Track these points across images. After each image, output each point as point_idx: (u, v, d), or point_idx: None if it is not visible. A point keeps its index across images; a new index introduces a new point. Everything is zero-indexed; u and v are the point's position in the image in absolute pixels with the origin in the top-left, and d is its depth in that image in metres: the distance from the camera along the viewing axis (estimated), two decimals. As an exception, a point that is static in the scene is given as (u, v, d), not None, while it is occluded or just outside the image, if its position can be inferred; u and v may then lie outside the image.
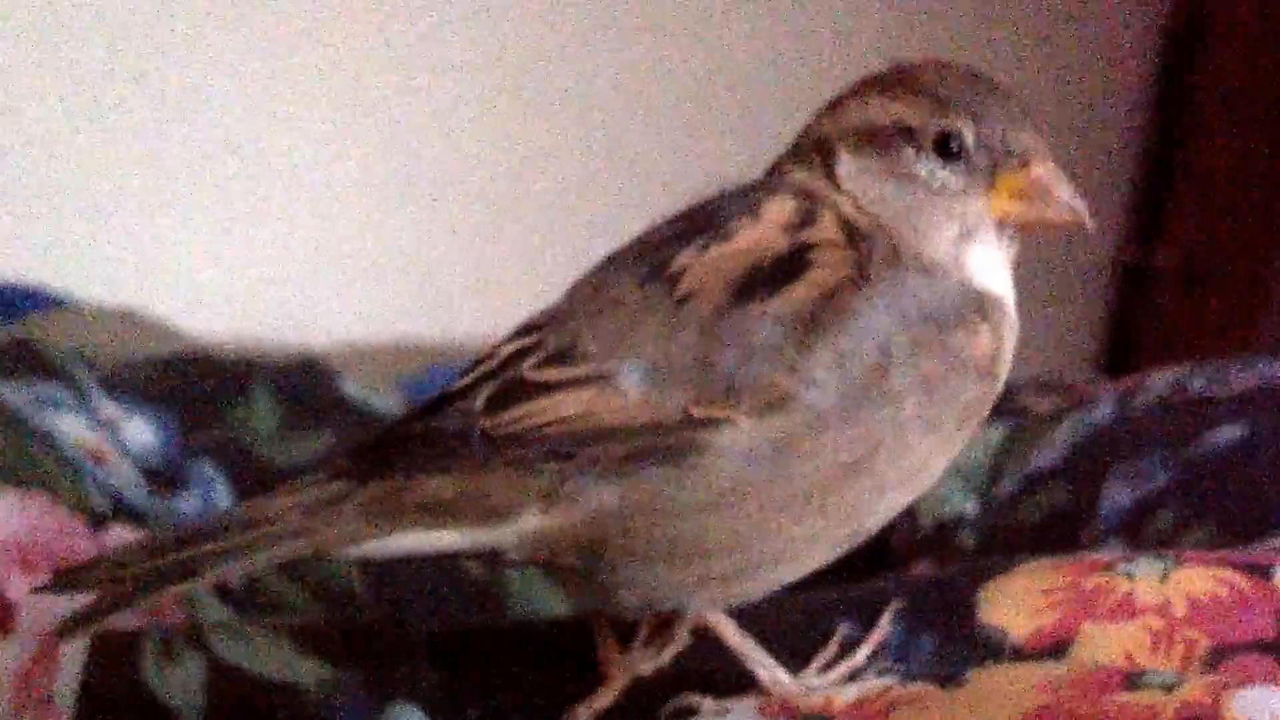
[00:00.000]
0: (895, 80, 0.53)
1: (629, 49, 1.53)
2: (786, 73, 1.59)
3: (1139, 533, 0.79)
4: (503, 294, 1.22)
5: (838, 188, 0.53)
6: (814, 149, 0.54)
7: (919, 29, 1.64)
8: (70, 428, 0.81)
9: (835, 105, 0.54)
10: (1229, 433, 0.80)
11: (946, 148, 0.51)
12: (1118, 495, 0.82)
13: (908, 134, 0.52)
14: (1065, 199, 0.51)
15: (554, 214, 1.50)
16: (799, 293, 0.49)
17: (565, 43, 1.49)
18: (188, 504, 0.85)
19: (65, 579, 0.51)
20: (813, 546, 0.51)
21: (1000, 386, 0.53)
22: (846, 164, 0.53)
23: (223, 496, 0.87)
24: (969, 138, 0.51)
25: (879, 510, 0.52)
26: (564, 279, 0.56)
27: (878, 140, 0.52)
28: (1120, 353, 1.84)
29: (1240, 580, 0.54)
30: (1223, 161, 1.71)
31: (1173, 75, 1.78)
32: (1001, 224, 0.52)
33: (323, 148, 1.37)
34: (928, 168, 0.52)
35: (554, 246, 1.45)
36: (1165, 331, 1.77)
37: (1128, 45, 1.79)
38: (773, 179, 0.55)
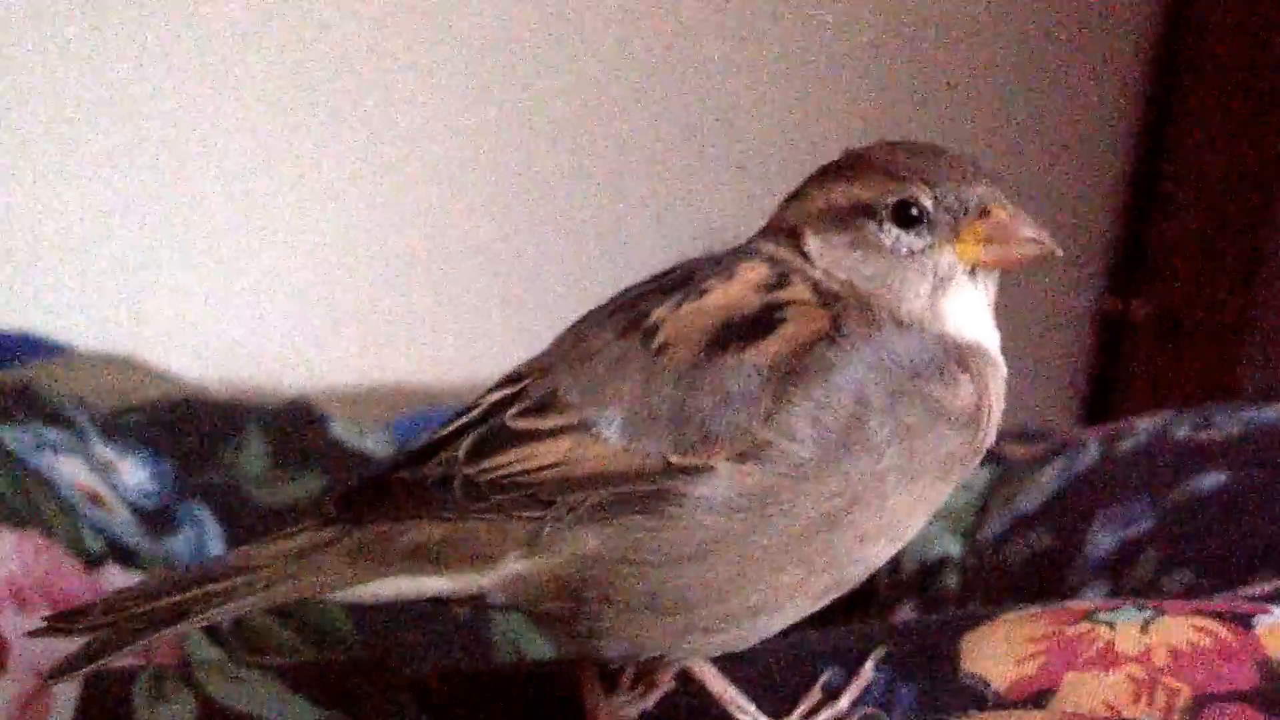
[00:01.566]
0: (849, 165, 0.55)
1: (622, 109, 1.55)
2: (782, 128, 1.61)
3: (1123, 576, 0.79)
4: (488, 341, 1.23)
5: (809, 261, 0.54)
6: (781, 232, 0.56)
7: (908, 89, 1.66)
8: (68, 470, 0.82)
9: (797, 194, 0.56)
10: (1213, 478, 0.80)
11: (906, 214, 0.53)
12: (1102, 539, 0.82)
13: (867, 209, 0.54)
14: (1029, 235, 0.53)
15: (540, 264, 1.52)
16: (772, 346, 0.50)
17: (558, 99, 1.51)
18: (180, 545, 0.85)
19: (60, 622, 0.51)
20: (794, 597, 0.51)
21: (989, 437, 0.54)
22: (815, 243, 0.55)
23: (214, 538, 0.88)
24: (925, 201, 0.53)
25: (860, 561, 0.52)
26: (549, 328, 0.57)
27: (841, 220, 0.54)
28: (1101, 402, 1.86)
29: (1221, 630, 0.54)
30: (1200, 214, 1.74)
31: (1150, 131, 1.81)
32: (975, 271, 0.54)
33: (312, 201, 1.40)
34: (891, 236, 0.53)
35: (539, 296, 1.46)
36: (1145, 381, 1.79)
37: (1107, 101, 1.82)
38: (745, 249, 0.57)
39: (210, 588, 0.51)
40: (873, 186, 0.54)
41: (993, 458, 0.93)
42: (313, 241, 1.40)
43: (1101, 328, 1.87)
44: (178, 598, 0.51)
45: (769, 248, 0.56)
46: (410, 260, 1.46)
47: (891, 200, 0.53)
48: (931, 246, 0.53)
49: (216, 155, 1.33)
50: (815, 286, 0.53)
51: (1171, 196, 1.76)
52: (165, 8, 1.29)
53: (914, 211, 0.53)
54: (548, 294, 1.48)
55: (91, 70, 1.26)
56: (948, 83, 1.67)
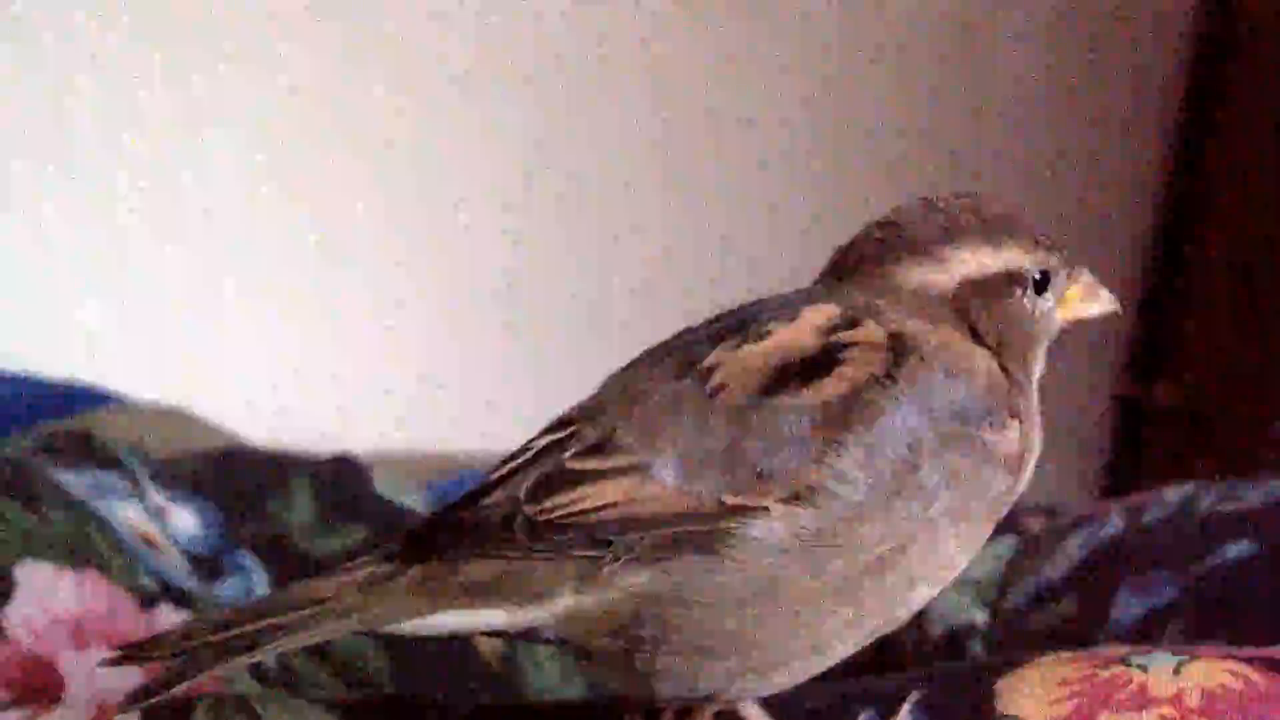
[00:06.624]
0: (990, 227, 0.56)
1: (650, 179, 1.59)
2: (815, 184, 1.64)
3: (1149, 645, 0.79)
4: (519, 413, 1.25)
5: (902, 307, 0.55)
6: (885, 289, 0.56)
7: (926, 161, 1.69)
8: (125, 514, 0.84)
9: (909, 250, 0.56)
10: (1238, 548, 0.81)
11: (1044, 282, 0.57)
12: (1127, 608, 0.82)
13: (1016, 277, 0.56)
14: (1107, 293, 0.59)
15: (568, 339, 1.55)
16: (827, 387, 0.51)
17: (590, 169, 1.55)
18: (228, 590, 0.87)
19: (132, 652, 0.53)
20: (845, 638, 0.52)
21: (1024, 483, 0.55)
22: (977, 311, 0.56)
23: (261, 584, 0.89)
24: (1060, 270, 0.57)
25: (909, 602, 0.53)
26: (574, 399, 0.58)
27: (989, 288, 0.56)
28: (1120, 488, 1.85)
29: (1253, 673, 0.55)
30: (1224, 302, 1.75)
31: (1173, 218, 1.83)
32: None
33: (352, 272, 1.45)
34: (1033, 303, 0.57)
35: (571, 367, 1.49)
36: (1165, 468, 1.78)
37: (1130, 189, 1.84)
38: (819, 291, 0.58)
39: (280, 619, 0.52)
40: (1022, 253, 0.56)
41: (1014, 529, 0.93)
42: (354, 311, 1.45)
43: (1123, 413, 1.87)
44: (249, 628, 0.52)
45: (857, 295, 0.56)
46: (446, 331, 1.50)
47: (1039, 267, 0.56)
48: (1050, 310, 0.58)
49: (267, 228, 1.39)
50: (891, 333, 0.53)
51: (1197, 282, 1.78)
52: (218, 99, 1.36)
53: (1046, 279, 0.57)
54: (575, 369, 1.50)
55: (151, 137, 1.32)
56: (973, 167, 1.71)
